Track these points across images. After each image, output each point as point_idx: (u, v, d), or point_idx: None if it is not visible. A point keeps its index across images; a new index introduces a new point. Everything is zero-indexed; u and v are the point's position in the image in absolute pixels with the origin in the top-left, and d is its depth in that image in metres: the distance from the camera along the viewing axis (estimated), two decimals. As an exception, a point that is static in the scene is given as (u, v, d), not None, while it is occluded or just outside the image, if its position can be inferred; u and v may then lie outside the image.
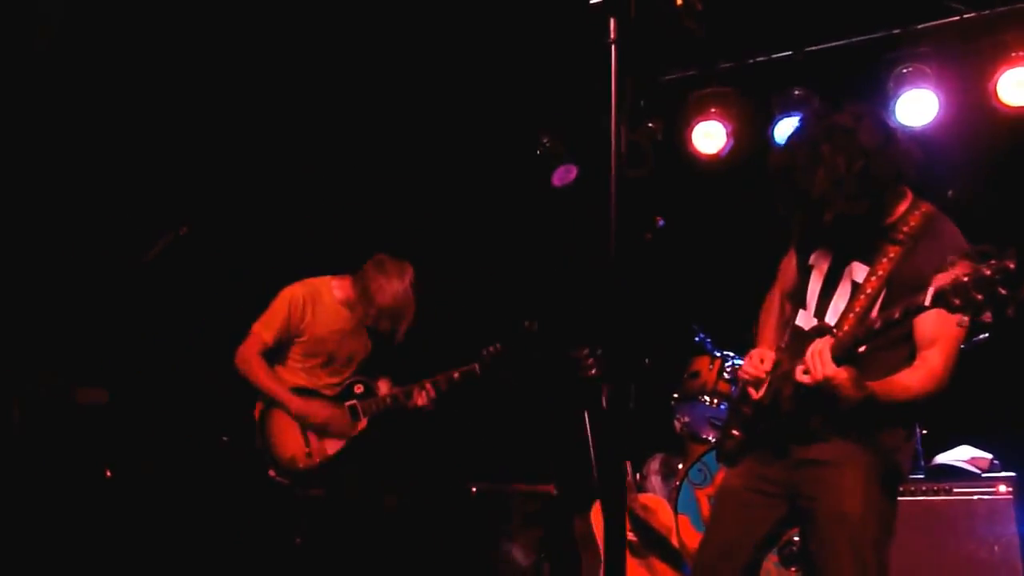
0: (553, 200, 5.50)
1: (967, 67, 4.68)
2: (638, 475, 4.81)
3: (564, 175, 5.56)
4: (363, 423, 4.18)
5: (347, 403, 4.19)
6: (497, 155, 5.52)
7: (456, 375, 4.17)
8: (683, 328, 4.75)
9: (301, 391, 4.12)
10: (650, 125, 5.23)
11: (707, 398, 4.45)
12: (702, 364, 4.55)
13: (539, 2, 4.54)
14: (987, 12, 4.55)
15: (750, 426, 2.62)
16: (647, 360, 5.02)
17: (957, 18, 4.63)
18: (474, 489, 4.95)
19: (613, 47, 1.88)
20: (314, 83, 5.04)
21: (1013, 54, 4.47)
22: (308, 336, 4.13)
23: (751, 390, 2.61)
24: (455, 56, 5.00)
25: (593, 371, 4.10)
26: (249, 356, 4.07)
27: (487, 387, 4.34)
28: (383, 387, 4.27)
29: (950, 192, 4.77)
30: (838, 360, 2.33)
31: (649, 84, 5.11)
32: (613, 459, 2.09)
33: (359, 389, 4.21)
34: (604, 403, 3.93)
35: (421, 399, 4.13)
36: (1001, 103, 4.57)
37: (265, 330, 4.08)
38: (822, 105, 2.75)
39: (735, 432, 2.65)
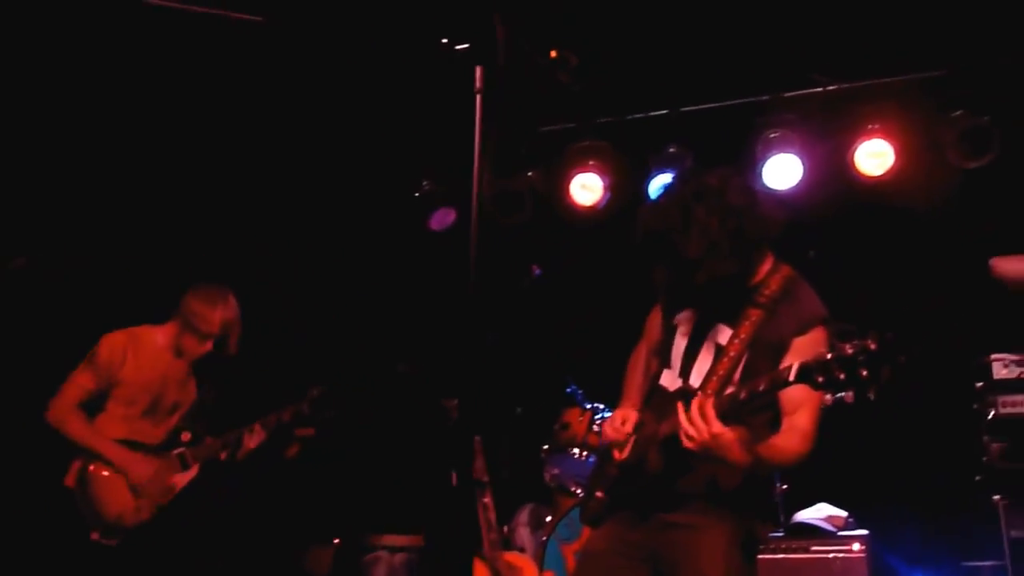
0: (429, 244, 5.43)
1: (829, 136, 4.92)
2: (506, 527, 4.72)
3: (443, 219, 5.50)
4: (194, 470, 3.94)
5: (174, 451, 3.95)
6: (376, 199, 5.42)
7: (286, 415, 4.03)
8: (556, 379, 4.73)
9: (122, 443, 3.84)
10: (528, 174, 5.25)
11: (576, 451, 4.41)
12: (573, 416, 4.53)
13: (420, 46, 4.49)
14: (847, 85, 4.79)
15: (614, 487, 2.58)
16: (518, 409, 4.97)
17: (820, 89, 4.86)
18: (337, 540, 4.74)
19: (478, 96, 1.82)
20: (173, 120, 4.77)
21: (869, 126, 4.72)
22: (128, 382, 3.88)
23: (615, 451, 2.57)
24: (333, 97, 4.87)
25: (461, 421, 4.00)
26: (64, 407, 3.78)
27: (353, 435, 4.18)
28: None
29: (810, 252, 4.98)
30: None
31: (527, 133, 5.13)
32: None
33: (186, 437, 3.97)
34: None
35: (252, 441, 3.98)
36: (858, 172, 4.81)
37: (83, 377, 3.82)
38: (691, 166, 2.78)
39: (599, 493, 2.59)
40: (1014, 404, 4.14)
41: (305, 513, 4.92)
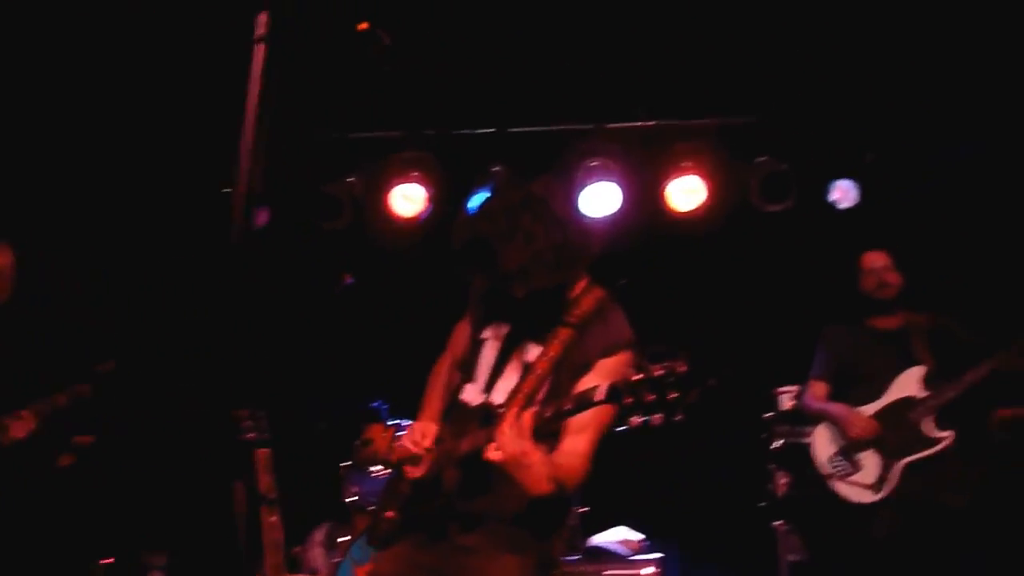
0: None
1: (646, 169, 5.07)
2: (299, 548, 4.50)
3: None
4: None
5: None
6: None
7: (62, 399, 3.58)
8: (362, 392, 4.57)
9: None
10: (349, 179, 5.09)
11: (377, 468, 4.26)
12: (376, 432, 4.35)
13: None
14: (665, 123, 4.97)
15: (406, 506, 2.46)
16: (323, 424, 4.76)
17: (641, 124, 5.02)
18: (104, 562, 4.33)
19: (260, 46, 1.63)
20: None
21: (682, 164, 4.92)
22: None
23: (408, 468, 2.46)
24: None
25: (252, 434, 3.74)
26: None
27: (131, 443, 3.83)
28: None
29: (623, 281, 5.10)
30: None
31: (347, 137, 4.97)
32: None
33: None
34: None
35: (18, 430, 3.51)
36: (669, 207, 4.99)
37: None
38: (514, 175, 2.71)
39: (389, 513, 2.47)
40: (797, 435, 4.39)
41: (76, 529, 4.47)
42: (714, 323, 5.06)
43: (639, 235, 5.09)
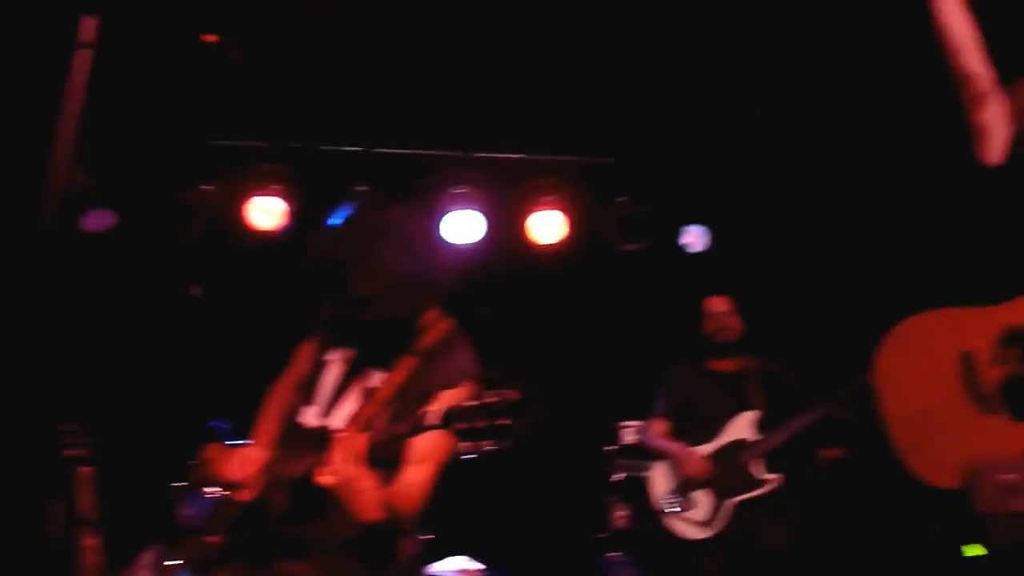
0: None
1: (510, 200, 5.14)
2: (123, 572, 4.24)
3: (100, 220, 4.93)
4: None
5: None
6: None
7: None
8: (206, 409, 4.38)
9: None
10: (205, 188, 4.91)
11: (212, 490, 4.08)
12: (213, 452, 4.18)
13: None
14: (529, 157, 5.05)
15: (231, 531, 2.37)
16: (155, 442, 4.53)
17: (508, 156, 5.09)
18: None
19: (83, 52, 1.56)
20: None
21: (544, 198, 5.01)
22: None
23: (237, 491, 2.37)
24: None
25: (76, 450, 3.53)
26: None
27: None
28: None
29: (482, 310, 5.13)
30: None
31: (202, 144, 4.80)
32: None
33: None
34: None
35: None
36: (530, 239, 5.07)
37: None
38: (376, 197, 2.69)
39: (213, 538, 2.37)
40: (638, 468, 4.51)
41: None
42: (565, 355, 5.16)
43: (499, 265, 5.14)
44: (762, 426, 4.13)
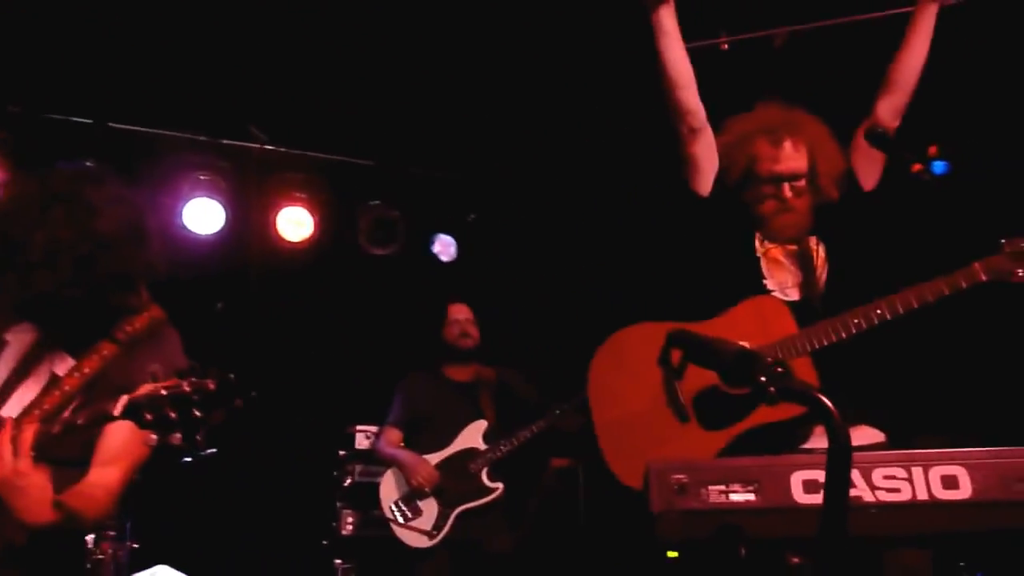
0: None
1: (258, 193, 4.93)
2: None
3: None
4: None
5: None
6: None
7: None
8: None
9: None
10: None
11: None
12: None
13: None
14: (279, 149, 4.86)
15: None
16: None
17: (258, 147, 4.87)
18: None
19: None
20: None
21: (295, 194, 4.86)
22: None
23: None
24: None
25: None
26: None
27: None
28: None
29: (219, 305, 4.87)
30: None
31: None
32: None
33: None
34: None
35: None
36: (279, 235, 4.89)
37: None
38: (88, 170, 2.41)
39: None
40: (370, 474, 4.45)
41: None
42: (304, 356, 5.01)
43: (242, 259, 4.91)
44: (490, 436, 4.22)
